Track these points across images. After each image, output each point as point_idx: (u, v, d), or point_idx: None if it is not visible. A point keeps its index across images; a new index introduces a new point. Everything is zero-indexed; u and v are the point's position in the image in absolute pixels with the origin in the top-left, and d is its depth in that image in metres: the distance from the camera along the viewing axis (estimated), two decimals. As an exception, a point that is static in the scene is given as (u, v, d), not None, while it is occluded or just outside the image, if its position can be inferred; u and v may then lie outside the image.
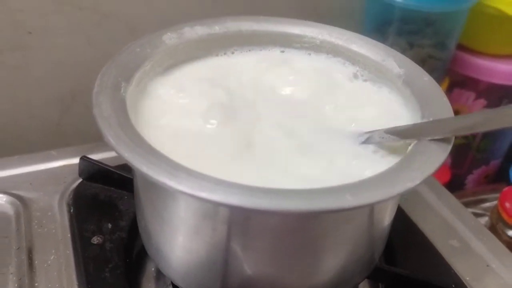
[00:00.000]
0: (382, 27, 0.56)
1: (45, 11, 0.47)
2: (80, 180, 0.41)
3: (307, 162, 0.28)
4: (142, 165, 0.23)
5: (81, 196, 0.40)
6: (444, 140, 0.27)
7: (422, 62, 0.57)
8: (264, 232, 0.26)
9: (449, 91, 0.61)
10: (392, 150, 0.29)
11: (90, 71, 0.49)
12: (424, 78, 0.32)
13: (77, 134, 0.54)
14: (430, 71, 0.58)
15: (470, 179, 0.68)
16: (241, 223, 0.26)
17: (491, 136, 0.64)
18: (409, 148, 0.27)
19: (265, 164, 0.27)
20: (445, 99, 0.30)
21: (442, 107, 0.30)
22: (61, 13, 0.47)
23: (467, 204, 0.66)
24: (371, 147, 0.29)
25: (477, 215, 0.64)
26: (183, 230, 0.28)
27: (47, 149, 0.45)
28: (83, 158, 0.40)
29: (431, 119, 0.29)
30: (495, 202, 0.57)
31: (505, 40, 0.58)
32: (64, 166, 0.44)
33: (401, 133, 0.28)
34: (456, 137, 0.27)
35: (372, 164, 0.28)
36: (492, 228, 0.54)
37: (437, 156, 0.26)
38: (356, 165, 0.28)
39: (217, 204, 0.22)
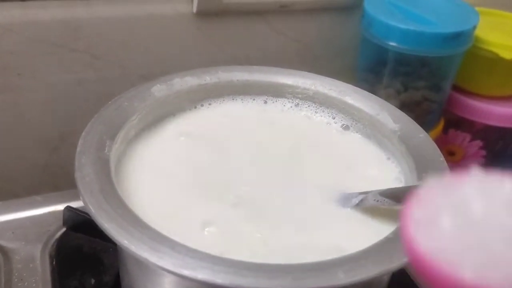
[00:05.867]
0: (376, 67, 0.56)
1: (36, 53, 0.46)
2: (65, 229, 0.40)
3: (292, 228, 0.26)
4: (123, 239, 0.22)
5: (65, 247, 0.39)
6: (440, 206, 0.25)
7: (417, 104, 0.56)
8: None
9: (444, 132, 0.61)
10: (384, 215, 0.28)
11: (80, 111, 0.49)
12: (420, 135, 0.31)
13: (65, 176, 0.53)
14: (426, 113, 0.58)
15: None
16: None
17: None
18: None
19: (250, 227, 0.26)
20: (442, 159, 0.29)
21: (439, 168, 0.29)
22: (52, 55, 0.47)
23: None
24: (363, 210, 0.28)
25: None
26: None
27: (34, 191, 0.44)
28: (68, 208, 0.39)
29: (427, 181, 0.28)
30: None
31: (500, 82, 0.58)
32: (49, 213, 0.42)
33: (396, 196, 0.27)
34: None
35: (366, 231, 0.26)
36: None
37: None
38: (349, 231, 0.27)
39: (201, 283, 0.21)
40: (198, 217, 0.26)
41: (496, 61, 0.55)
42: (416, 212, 0.15)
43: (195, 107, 0.35)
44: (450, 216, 0.14)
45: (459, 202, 0.15)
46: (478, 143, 0.61)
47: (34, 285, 0.36)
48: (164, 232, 0.23)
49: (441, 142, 0.61)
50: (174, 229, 0.24)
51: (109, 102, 0.30)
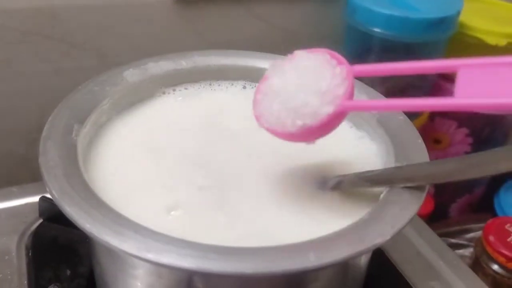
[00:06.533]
0: (362, 54, 0.55)
1: (10, 42, 0.45)
2: (41, 220, 0.39)
3: (263, 212, 0.26)
4: (85, 222, 0.21)
5: (41, 238, 0.38)
6: (417, 188, 0.25)
7: (403, 91, 0.56)
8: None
9: (430, 120, 0.60)
10: (362, 197, 0.27)
11: (58, 101, 0.47)
12: (399, 117, 0.31)
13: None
14: (411, 100, 0.57)
15: (454, 207, 0.67)
16: (198, 282, 0.24)
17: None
18: (381, 196, 0.25)
19: (222, 211, 0.25)
20: (420, 141, 0.29)
21: (417, 150, 0.28)
22: (28, 44, 0.46)
23: (451, 235, 0.64)
24: (338, 193, 0.27)
25: (461, 246, 0.62)
26: (139, 285, 0.26)
27: (13, 183, 0.43)
28: (43, 198, 0.38)
29: (405, 163, 0.27)
30: (479, 233, 0.55)
31: (486, 68, 0.57)
32: (26, 204, 0.41)
33: (373, 179, 0.26)
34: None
35: (341, 213, 0.26)
36: (477, 261, 0.53)
37: (409, 206, 0.24)
38: (322, 214, 0.26)
39: (165, 267, 0.20)
40: (164, 200, 0.25)
41: (481, 47, 0.54)
42: (261, 85, 0.25)
43: (170, 93, 0.34)
44: (270, 86, 0.24)
45: (280, 74, 0.24)
46: (464, 130, 0.60)
47: (9, 277, 0.35)
48: (130, 215, 0.22)
49: (427, 130, 0.60)
50: (139, 212, 0.23)
51: (79, 87, 0.29)
